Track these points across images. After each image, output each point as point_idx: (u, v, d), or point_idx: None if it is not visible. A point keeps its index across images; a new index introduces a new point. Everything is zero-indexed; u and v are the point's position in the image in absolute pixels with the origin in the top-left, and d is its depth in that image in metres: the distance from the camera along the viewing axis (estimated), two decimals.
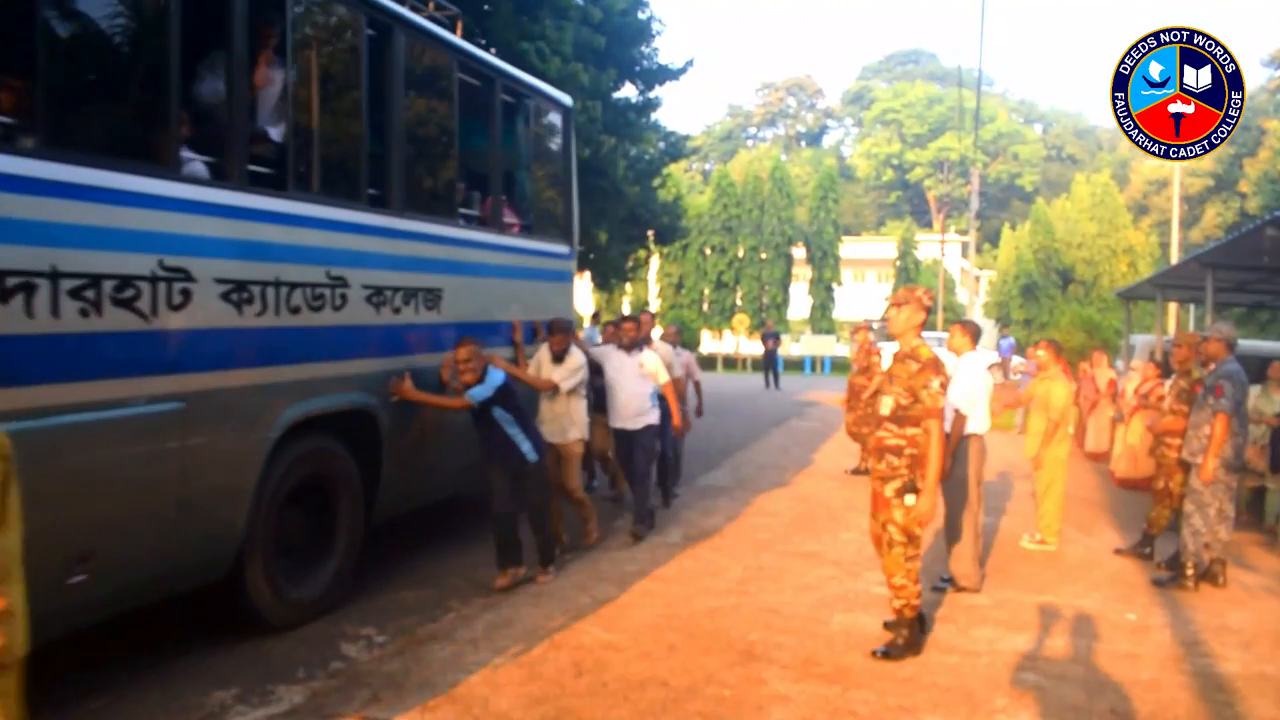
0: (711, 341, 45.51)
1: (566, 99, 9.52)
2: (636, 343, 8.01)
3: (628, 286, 40.40)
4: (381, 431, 6.24)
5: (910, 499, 5.32)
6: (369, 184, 6.28)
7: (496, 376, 6.32)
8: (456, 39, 7.55)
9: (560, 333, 7.38)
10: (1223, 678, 5.26)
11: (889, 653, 5.36)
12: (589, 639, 5.57)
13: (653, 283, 47.21)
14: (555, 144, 9.37)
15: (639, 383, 7.95)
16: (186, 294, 4.68)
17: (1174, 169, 38.87)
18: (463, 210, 7.50)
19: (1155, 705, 4.83)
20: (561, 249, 9.19)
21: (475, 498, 7.73)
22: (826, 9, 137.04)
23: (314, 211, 5.69)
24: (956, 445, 6.81)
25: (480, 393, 6.26)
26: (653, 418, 8.02)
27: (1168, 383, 8.56)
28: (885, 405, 5.44)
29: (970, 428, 6.86)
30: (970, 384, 6.91)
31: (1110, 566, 7.70)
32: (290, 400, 5.44)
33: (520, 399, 6.81)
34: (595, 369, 8.16)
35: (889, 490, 5.37)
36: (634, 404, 7.93)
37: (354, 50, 6.20)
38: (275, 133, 5.52)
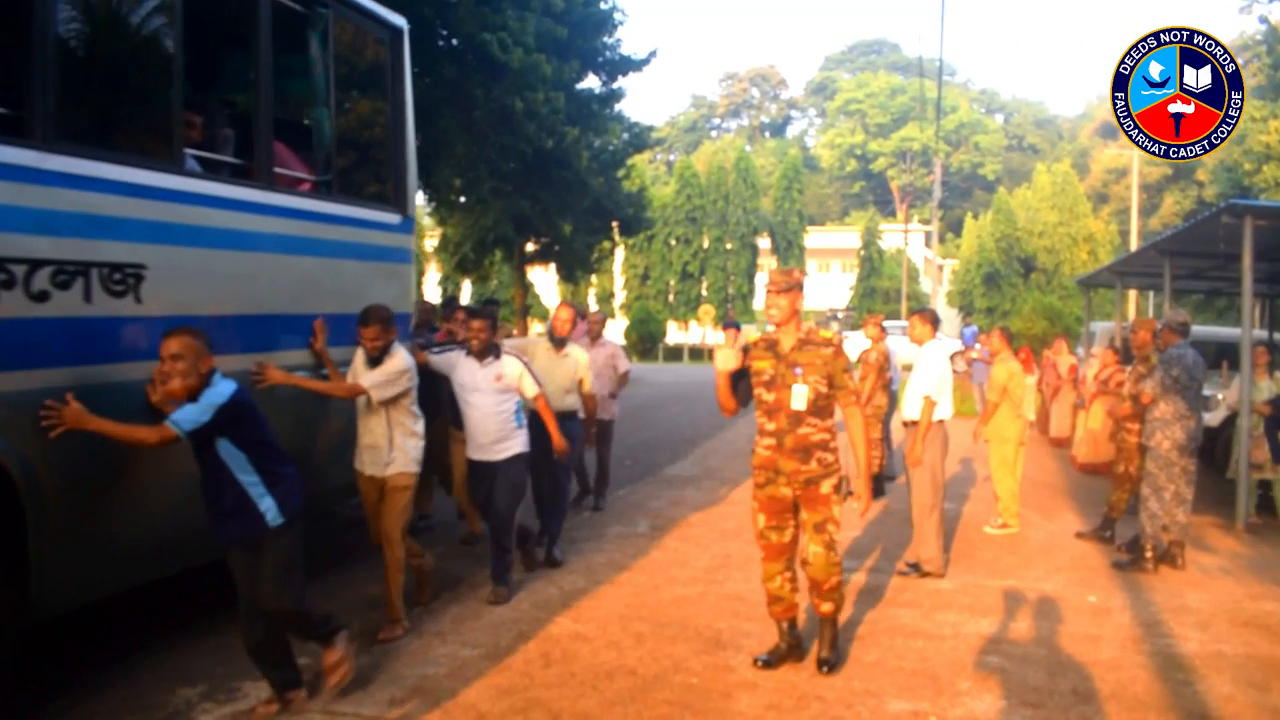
0: (677, 332, 45.61)
1: (397, 19, 6.93)
2: (490, 348, 6.14)
3: (593, 278, 40.49)
4: (20, 487, 3.91)
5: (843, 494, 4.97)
6: None
7: (221, 390, 4.10)
8: None
9: (374, 324, 5.39)
10: (1181, 657, 5.35)
11: (834, 664, 5.01)
12: (557, 629, 5.58)
13: (618, 274, 47.24)
14: (376, 77, 6.92)
15: (497, 400, 6.11)
16: None
17: (1133, 158, 39.36)
18: (197, 153, 5.15)
19: (1115, 685, 4.90)
20: (388, 217, 6.76)
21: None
22: None
23: None
24: (927, 432, 6.89)
25: (190, 417, 4.00)
26: (519, 444, 6.24)
27: (1128, 369, 8.69)
28: (800, 398, 4.83)
29: (935, 414, 6.94)
30: (936, 372, 6.99)
31: (1071, 550, 7.80)
32: None
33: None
34: (432, 378, 6.38)
35: (826, 487, 4.87)
36: (492, 427, 6.11)
37: None
38: None
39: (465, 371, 6.15)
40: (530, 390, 6.23)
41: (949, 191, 62.06)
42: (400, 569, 5.57)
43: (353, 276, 6.24)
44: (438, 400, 6.71)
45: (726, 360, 4.95)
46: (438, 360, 6.35)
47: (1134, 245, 23.48)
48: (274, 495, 4.21)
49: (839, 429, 5.01)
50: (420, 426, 5.70)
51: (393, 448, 5.52)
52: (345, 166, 6.54)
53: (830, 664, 4.98)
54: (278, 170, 5.67)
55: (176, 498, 4.60)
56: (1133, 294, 22.46)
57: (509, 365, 6.16)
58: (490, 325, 6.23)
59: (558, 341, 7.37)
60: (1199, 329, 10.96)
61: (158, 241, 4.64)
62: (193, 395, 4.06)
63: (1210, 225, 9.33)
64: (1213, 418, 10.79)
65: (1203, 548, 7.86)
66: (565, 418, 7.04)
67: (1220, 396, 11.09)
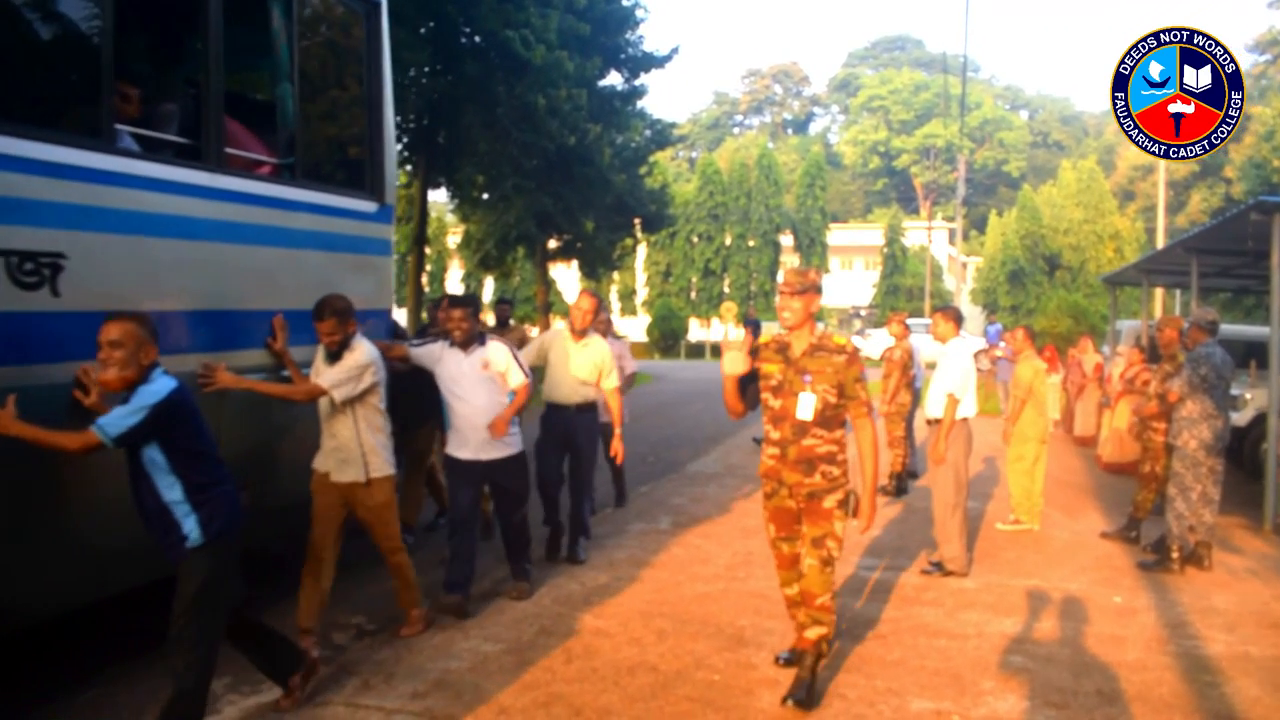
0: (699, 330, 45.58)
1: None
2: (475, 336, 5.77)
3: (615, 275, 40.53)
4: None
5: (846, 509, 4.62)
6: None
7: (156, 388, 3.62)
8: None
9: (330, 317, 4.92)
10: (1208, 659, 5.30)
11: (806, 700, 4.50)
12: (578, 625, 5.59)
13: (640, 271, 47.27)
14: (350, 53, 6.36)
15: (488, 392, 5.72)
16: None
17: None
18: (134, 130, 4.65)
19: (1141, 686, 4.87)
20: (362, 205, 6.21)
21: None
22: None
23: None
24: (950, 430, 6.86)
25: (117, 421, 3.55)
26: (514, 444, 5.89)
27: (1154, 367, 8.63)
28: (807, 407, 4.55)
29: (958, 412, 6.91)
30: (959, 370, 6.96)
31: (1096, 550, 7.75)
32: None
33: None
34: (394, 373, 5.67)
35: (830, 501, 4.56)
36: (484, 423, 5.68)
37: None
38: None
39: (451, 363, 5.75)
40: (515, 379, 5.81)
41: (973, 189, 61.75)
42: (408, 569, 5.38)
43: (320, 269, 5.66)
44: (427, 403, 6.12)
45: (734, 364, 4.67)
46: (419, 353, 5.88)
47: (1160, 243, 23.24)
48: (199, 514, 3.70)
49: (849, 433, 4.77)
50: (389, 427, 5.24)
51: (364, 451, 5.04)
52: (312, 149, 6.01)
53: (798, 700, 4.47)
54: (231, 151, 5.12)
55: (102, 509, 4.05)
56: (1159, 292, 22.22)
57: (495, 351, 5.79)
58: (472, 313, 5.80)
59: (579, 331, 6.87)
60: (1226, 327, 10.87)
61: (80, 227, 4.10)
62: (129, 389, 3.63)
63: (1238, 222, 9.24)
64: (1240, 417, 10.69)
65: (1230, 549, 7.78)
66: (584, 410, 6.91)
67: (1248, 396, 10.98)
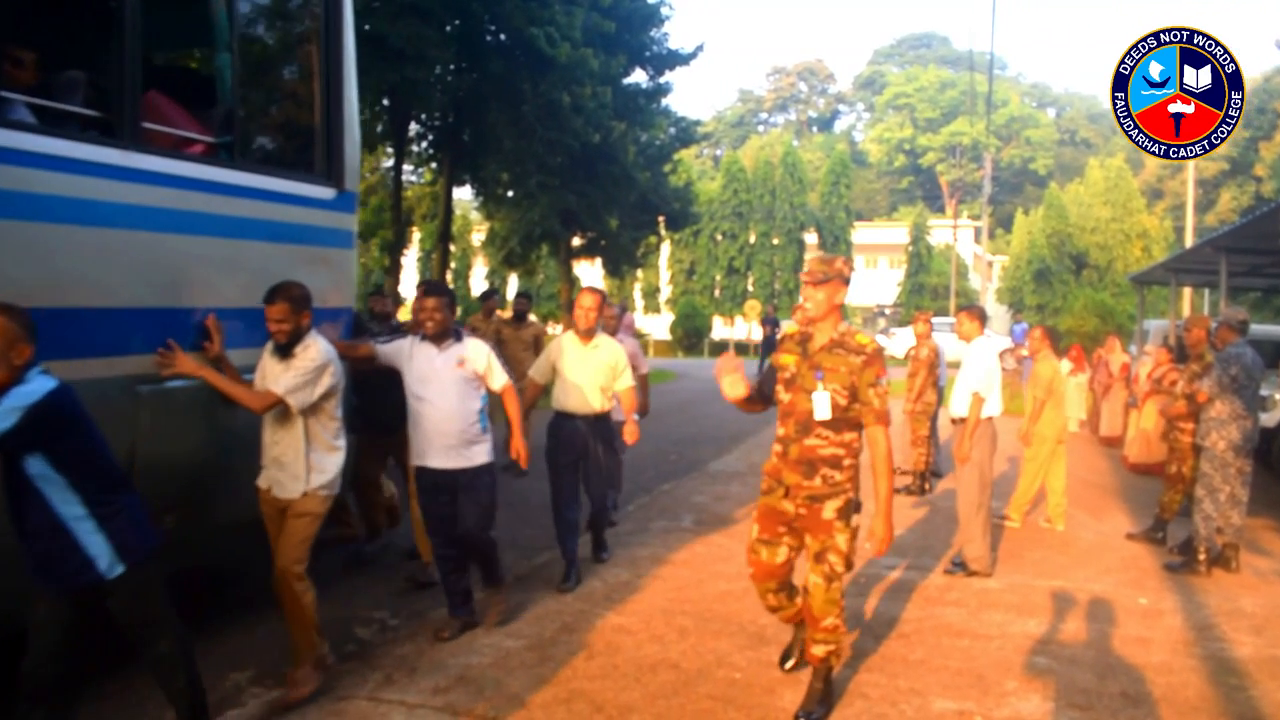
0: (723, 328, 45.55)
1: None
2: (450, 330, 5.16)
3: (639, 273, 40.59)
4: None
5: (855, 519, 4.32)
6: None
7: (31, 389, 3.11)
8: None
9: (281, 301, 4.37)
10: (1235, 661, 5.25)
11: (814, 718, 4.34)
12: (600, 622, 5.60)
13: (664, 269, 47.28)
14: (303, 19, 5.69)
15: (460, 394, 5.09)
16: None
17: None
18: (29, 99, 4.01)
19: (1166, 688, 4.83)
20: (317, 191, 5.52)
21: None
22: None
23: None
24: (974, 429, 6.83)
25: None
26: (484, 452, 5.23)
27: (1182, 367, 8.55)
28: (820, 406, 4.22)
29: (983, 411, 6.87)
30: (984, 368, 6.92)
31: (1122, 551, 7.69)
32: None
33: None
34: (360, 374, 5.40)
35: (829, 511, 4.25)
36: (453, 428, 5.09)
37: None
38: None
39: (421, 360, 5.12)
40: (497, 381, 5.22)
41: (999, 187, 61.37)
42: (305, 606, 4.48)
43: (265, 262, 4.99)
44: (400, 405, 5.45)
45: (734, 388, 4.45)
46: (386, 350, 5.28)
47: (1189, 241, 23.02)
48: (107, 533, 3.25)
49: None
50: (342, 440, 4.65)
51: (309, 466, 4.45)
52: (256, 127, 5.37)
53: (809, 717, 4.31)
54: (150, 127, 4.48)
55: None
56: (1187, 291, 22.01)
57: (474, 348, 5.17)
58: (448, 303, 5.14)
59: (585, 332, 6.33)
60: (1256, 327, 10.77)
61: None
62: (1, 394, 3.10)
63: (1268, 221, 9.16)
64: (1269, 418, 10.58)
65: (1258, 550, 7.71)
66: (599, 419, 6.42)
67: (1278, 397, 10.86)
